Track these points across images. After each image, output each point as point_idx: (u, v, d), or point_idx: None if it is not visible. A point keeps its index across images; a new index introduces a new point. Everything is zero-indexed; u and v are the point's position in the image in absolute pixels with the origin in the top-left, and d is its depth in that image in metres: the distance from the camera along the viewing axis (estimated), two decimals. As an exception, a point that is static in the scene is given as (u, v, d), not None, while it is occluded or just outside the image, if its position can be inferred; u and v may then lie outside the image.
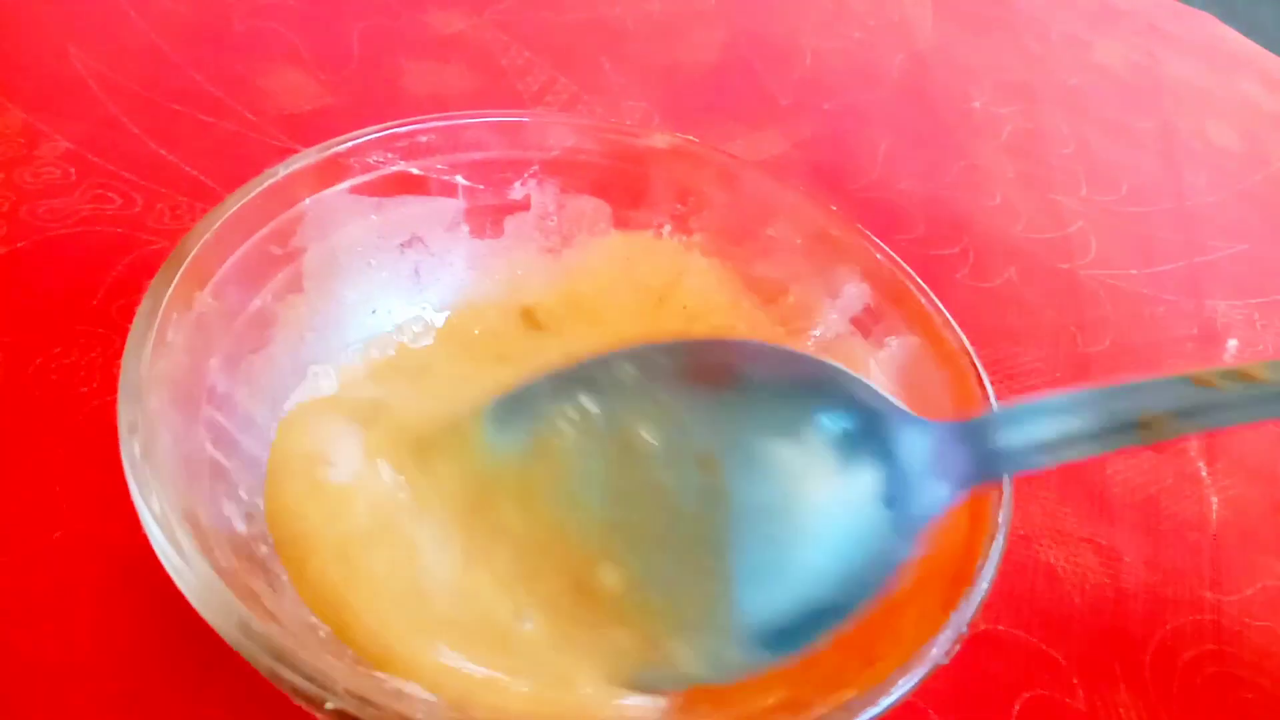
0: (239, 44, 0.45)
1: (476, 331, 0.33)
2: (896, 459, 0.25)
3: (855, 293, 0.32)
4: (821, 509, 0.26)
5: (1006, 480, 0.25)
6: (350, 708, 0.20)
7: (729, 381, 0.27)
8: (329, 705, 0.20)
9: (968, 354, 0.29)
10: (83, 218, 0.37)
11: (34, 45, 0.43)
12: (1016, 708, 0.30)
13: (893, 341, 0.31)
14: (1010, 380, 0.39)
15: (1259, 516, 0.36)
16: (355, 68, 0.46)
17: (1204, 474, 0.37)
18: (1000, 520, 0.25)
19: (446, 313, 0.33)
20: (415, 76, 0.46)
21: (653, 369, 0.27)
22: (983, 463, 0.25)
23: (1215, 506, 0.36)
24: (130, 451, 0.23)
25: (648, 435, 0.27)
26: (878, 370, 0.31)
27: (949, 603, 0.24)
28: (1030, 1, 0.62)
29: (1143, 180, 0.50)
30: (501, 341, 0.33)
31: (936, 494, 0.25)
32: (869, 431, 0.26)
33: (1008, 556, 0.32)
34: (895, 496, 0.25)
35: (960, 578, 0.24)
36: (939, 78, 0.54)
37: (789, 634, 0.25)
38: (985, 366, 0.38)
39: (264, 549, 0.26)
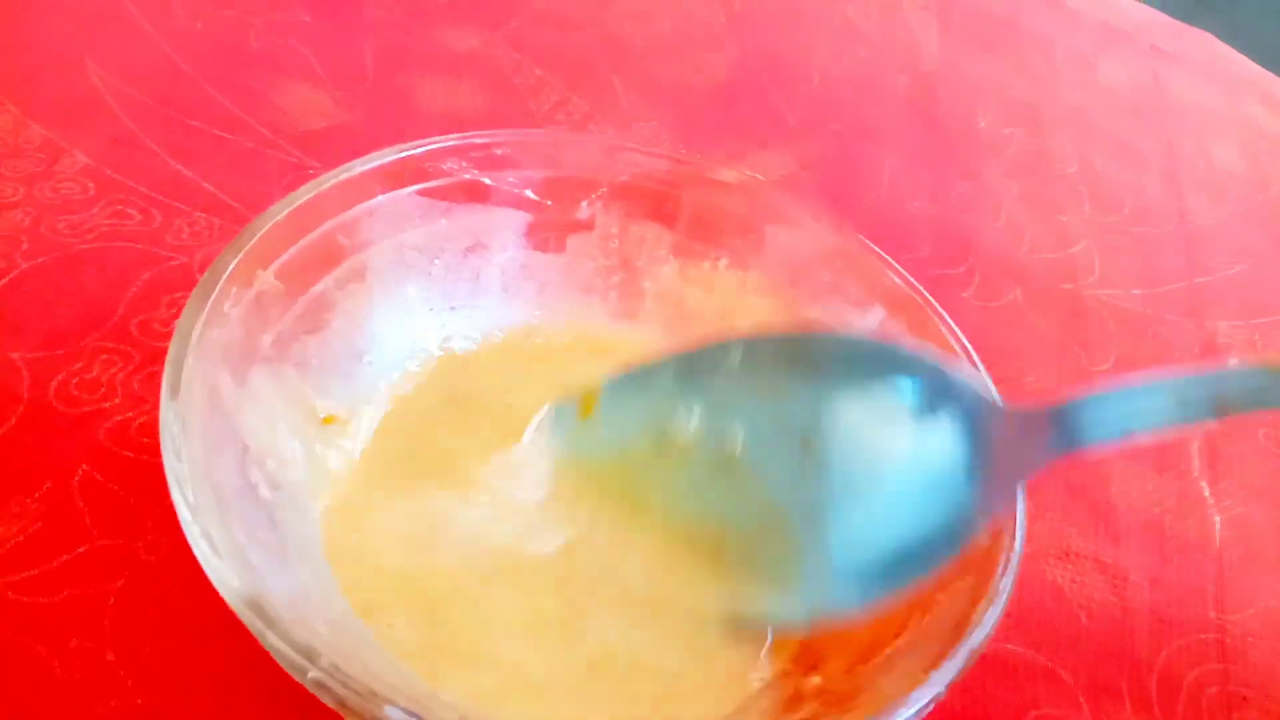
0: (255, 61, 0.46)
1: (539, 341, 0.34)
2: (978, 437, 0.27)
3: (889, 328, 0.33)
4: (909, 477, 0.27)
5: (1014, 561, 0.26)
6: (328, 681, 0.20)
7: (824, 366, 0.29)
8: (310, 675, 0.21)
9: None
10: (102, 233, 0.37)
11: (53, 61, 0.43)
12: (1024, 726, 0.30)
13: None
14: (1017, 397, 0.39)
15: (1262, 537, 0.37)
16: (369, 85, 0.46)
17: (1207, 494, 0.37)
18: (1002, 591, 0.25)
19: (501, 320, 0.34)
20: (428, 94, 0.47)
21: (754, 358, 0.30)
22: (1059, 440, 0.26)
23: (1219, 526, 0.37)
24: (166, 411, 0.24)
25: (751, 422, 0.29)
26: None
27: (933, 664, 0.24)
28: (1035, 22, 0.62)
29: (1146, 200, 0.50)
30: (555, 354, 0.34)
31: (1016, 467, 0.26)
32: (951, 412, 0.27)
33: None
34: (977, 468, 0.27)
35: (950, 640, 0.24)
36: (945, 98, 0.55)
37: (879, 582, 0.27)
38: (993, 382, 0.39)
39: (283, 515, 0.27)
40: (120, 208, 0.38)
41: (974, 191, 0.49)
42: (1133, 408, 0.25)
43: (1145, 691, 0.32)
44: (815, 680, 0.27)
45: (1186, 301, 0.45)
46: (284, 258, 0.28)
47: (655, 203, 0.34)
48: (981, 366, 0.30)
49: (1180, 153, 0.54)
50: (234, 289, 0.27)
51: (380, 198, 0.30)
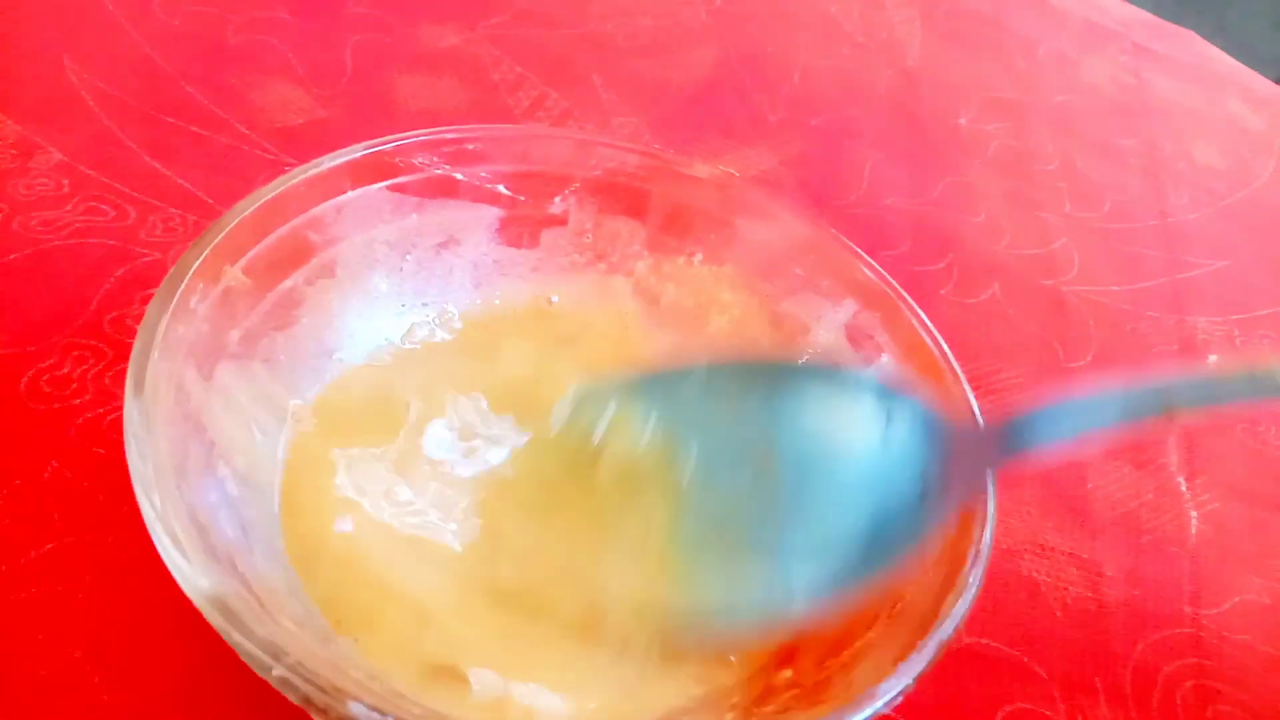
0: (233, 58, 0.46)
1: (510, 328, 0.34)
2: (928, 453, 0.28)
3: (862, 322, 0.33)
4: (862, 491, 0.28)
5: (984, 554, 0.26)
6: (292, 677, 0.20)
7: (782, 385, 0.30)
8: (274, 672, 0.20)
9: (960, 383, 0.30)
10: (76, 229, 0.37)
11: (29, 57, 0.43)
12: (997, 720, 0.30)
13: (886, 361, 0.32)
14: (993, 394, 0.39)
15: (1237, 532, 0.37)
16: (348, 82, 0.46)
17: (1184, 489, 0.37)
18: (970, 585, 0.25)
19: (473, 313, 0.34)
20: (408, 90, 0.46)
21: (716, 380, 0.30)
22: (1005, 452, 0.27)
23: (1195, 521, 0.37)
24: (130, 408, 0.23)
25: (709, 435, 0.29)
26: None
27: (901, 656, 0.24)
28: (1018, 21, 0.62)
29: (1126, 198, 0.50)
30: (522, 347, 0.34)
31: (963, 479, 0.27)
32: (903, 429, 0.28)
33: (990, 571, 0.33)
34: (927, 484, 0.27)
35: (919, 633, 0.24)
36: (927, 95, 0.55)
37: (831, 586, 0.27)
38: (969, 381, 0.39)
39: (252, 512, 0.27)
40: (95, 204, 0.38)
41: (955, 189, 0.49)
42: (1078, 420, 0.26)
43: (1120, 686, 0.32)
44: (786, 674, 0.27)
45: (1166, 298, 0.45)
46: (252, 253, 0.28)
47: (629, 198, 0.34)
48: (955, 362, 0.30)
49: (1161, 151, 0.54)
50: (200, 285, 0.26)
51: (350, 193, 0.30)
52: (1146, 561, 0.35)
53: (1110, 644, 0.33)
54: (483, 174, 0.32)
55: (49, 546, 0.29)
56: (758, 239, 0.34)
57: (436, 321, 0.33)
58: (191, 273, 0.26)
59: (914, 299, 0.42)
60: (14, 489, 0.30)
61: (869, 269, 0.32)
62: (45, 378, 0.32)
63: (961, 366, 0.39)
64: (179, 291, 0.26)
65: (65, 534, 0.29)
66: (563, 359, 0.33)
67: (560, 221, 0.34)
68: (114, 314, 0.35)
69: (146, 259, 0.37)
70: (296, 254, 0.30)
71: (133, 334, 0.34)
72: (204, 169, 0.40)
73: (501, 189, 0.33)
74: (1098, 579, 0.34)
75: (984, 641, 0.32)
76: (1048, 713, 0.31)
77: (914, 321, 0.31)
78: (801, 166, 0.48)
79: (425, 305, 0.33)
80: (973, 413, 0.29)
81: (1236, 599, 0.35)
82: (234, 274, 0.28)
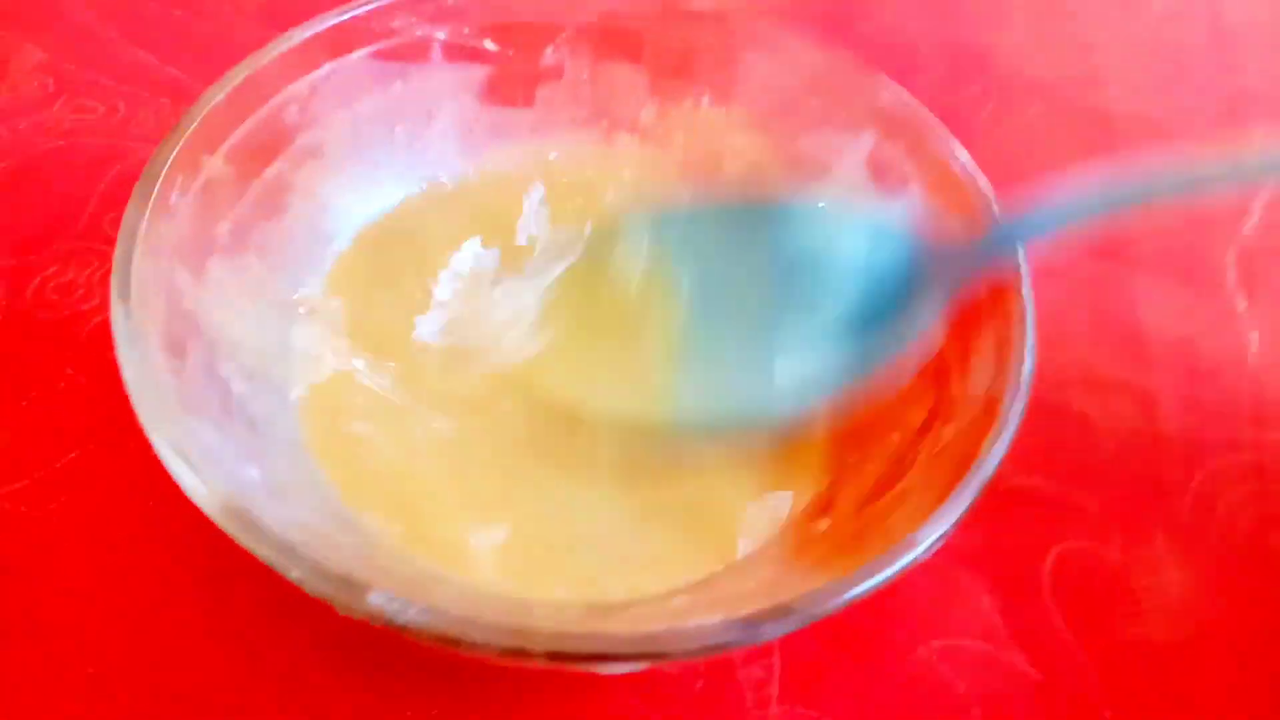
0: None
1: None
2: (909, 255, 0.27)
3: (884, 154, 0.31)
4: (845, 284, 0.27)
5: (1023, 386, 0.25)
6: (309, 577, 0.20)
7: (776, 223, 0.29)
8: (292, 574, 0.20)
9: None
10: (65, 130, 0.36)
11: (-3, -49, 0.41)
12: (1049, 562, 0.29)
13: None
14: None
15: (1301, 349, 0.35)
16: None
17: (1242, 309, 0.35)
18: (1009, 423, 0.24)
19: (470, 180, 0.33)
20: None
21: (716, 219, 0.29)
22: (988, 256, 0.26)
23: (1255, 341, 0.35)
24: (117, 318, 0.23)
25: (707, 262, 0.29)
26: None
27: (938, 502, 0.22)
28: None
29: (1177, 3, 0.46)
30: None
31: (945, 283, 0.26)
32: (891, 243, 0.27)
33: (1036, 407, 0.31)
34: (918, 275, 0.26)
35: (956, 477, 0.23)
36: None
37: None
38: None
39: (260, 407, 0.26)
40: (82, 101, 0.37)
41: (988, 4, 0.45)
42: (1060, 217, 0.25)
43: (1177, 518, 0.30)
44: (823, 524, 0.26)
45: (1219, 111, 0.42)
46: (231, 140, 0.27)
47: (625, 42, 0.32)
48: (984, 183, 0.28)
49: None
50: (179, 178, 0.25)
51: (326, 66, 0.28)
52: (1203, 387, 0.33)
53: (1166, 475, 0.31)
54: (466, 30, 0.30)
55: (73, 455, 0.29)
56: (766, 74, 0.31)
57: (433, 193, 0.32)
58: (168, 166, 0.25)
59: (950, 124, 0.40)
60: (32, 400, 0.30)
61: (889, 94, 0.30)
62: (51, 285, 0.32)
63: (1005, 191, 0.38)
64: (156, 187, 0.24)
65: (85, 443, 0.29)
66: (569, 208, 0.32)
67: (555, 75, 0.32)
68: (113, 214, 0.34)
69: (140, 154, 0.35)
70: (278, 137, 0.28)
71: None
72: (192, 53, 0.39)
73: (488, 44, 0.31)
74: (1152, 408, 0.33)
75: (1033, 481, 0.31)
76: (1101, 550, 0.30)
77: (940, 147, 0.29)
78: (818, -3, 0.45)
79: (421, 178, 0.32)
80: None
81: (1300, 418, 0.33)
82: (214, 163, 0.26)
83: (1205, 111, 0.42)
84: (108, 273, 0.32)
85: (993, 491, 0.23)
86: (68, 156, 0.35)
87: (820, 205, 0.28)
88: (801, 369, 0.27)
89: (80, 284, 0.32)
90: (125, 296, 0.23)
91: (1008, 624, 0.28)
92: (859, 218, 0.28)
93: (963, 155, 0.28)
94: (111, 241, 0.32)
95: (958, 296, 0.26)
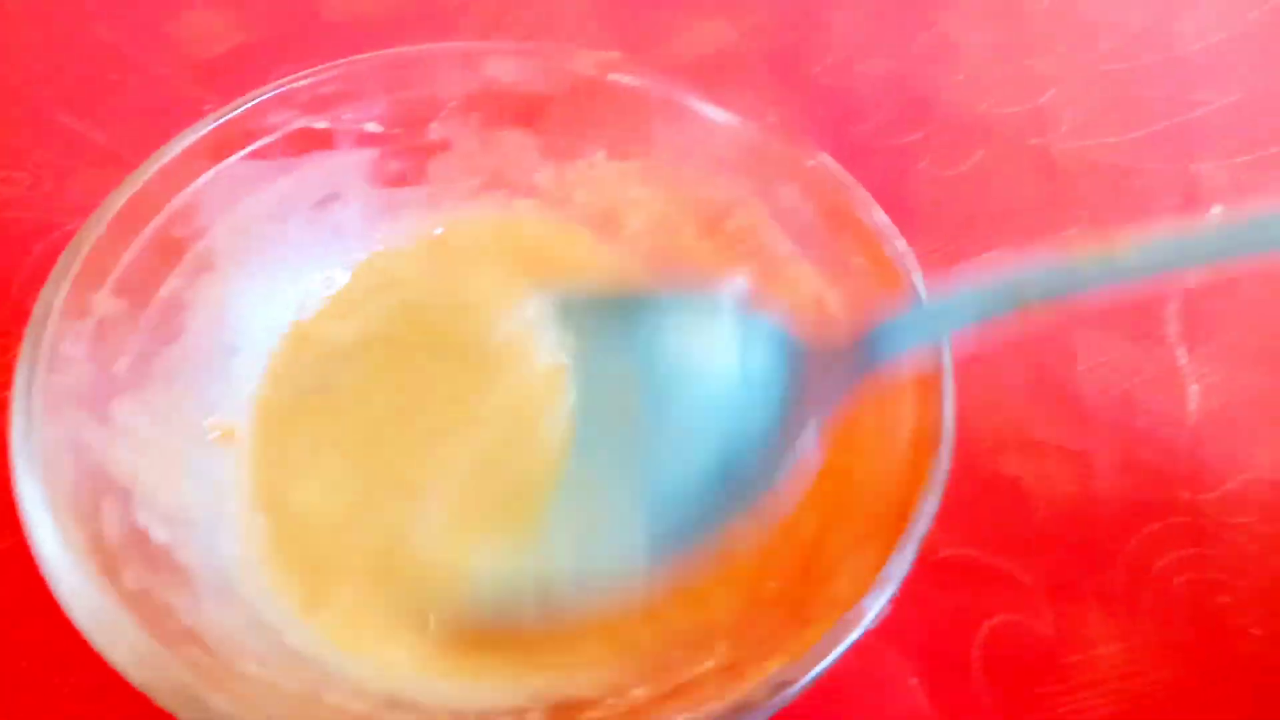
0: (142, -14, 0.43)
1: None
2: (786, 372, 0.26)
3: (796, 210, 0.30)
4: (723, 418, 0.27)
5: (947, 435, 0.24)
6: None
7: (644, 322, 0.28)
8: None
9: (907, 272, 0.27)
10: (-10, 205, 0.35)
11: (-75, 15, 0.41)
12: (980, 636, 0.29)
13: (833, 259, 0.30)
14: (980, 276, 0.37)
15: (1243, 403, 0.34)
16: None
17: (1184, 362, 0.35)
18: (938, 473, 0.24)
19: (371, 264, 0.32)
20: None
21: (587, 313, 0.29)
22: (863, 366, 0.25)
23: (1195, 396, 0.34)
24: (24, 489, 0.22)
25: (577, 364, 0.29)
26: (826, 289, 0.30)
27: (879, 563, 0.23)
28: None
29: (1128, 34, 0.46)
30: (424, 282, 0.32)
31: (823, 399, 0.26)
32: (761, 357, 0.27)
33: (968, 474, 0.31)
34: (787, 400, 0.26)
35: (893, 532, 0.23)
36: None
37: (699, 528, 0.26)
38: (951, 261, 0.37)
39: (188, 552, 0.25)
40: (8, 173, 0.36)
41: (934, 43, 0.45)
42: (934, 326, 0.25)
43: (1111, 587, 0.30)
44: (771, 585, 0.26)
45: (1168, 145, 0.42)
46: (118, 271, 0.26)
47: (512, 106, 0.31)
48: (903, 244, 0.27)
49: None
50: (69, 325, 0.24)
51: (208, 174, 0.27)
52: (1141, 447, 0.33)
53: (1101, 541, 0.31)
54: (347, 116, 0.30)
55: (6, 543, 0.28)
56: (659, 127, 0.31)
57: (331, 284, 0.31)
58: (55, 315, 0.24)
59: (890, 177, 0.39)
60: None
61: (773, 137, 0.30)
62: (-27, 372, 0.31)
63: (942, 247, 0.37)
64: (44, 341, 0.23)
65: (19, 529, 0.29)
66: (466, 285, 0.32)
67: (444, 148, 0.31)
68: (38, 294, 0.33)
69: (69, 227, 0.35)
70: (166, 256, 0.27)
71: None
72: (122, 120, 0.38)
73: (372, 127, 0.30)
74: (1088, 471, 0.32)
75: (964, 551, 0.31)
76: (1034, 623, 0.29)
77: (843, 196, 0.29)
78: (764, 37, 0.44)
79: (319, 271, 0.31)
80: (908, 289, 0.27)
81: (1239, 478, 0.32)
82: (103, 300, 0.25)
83: (1153, 146, 0.42)
84: (31, 357, 0.32)
85: (922, 564, 0.23)
86: (-8, 232, 0.35)
87: (703, 301, 0.28)
88: (681, 510, 0.26)
89: (3, 369, 0.31)
90: (31, 468, 0.22)
91: (934, 707, 0.28)
92: (740, 318, 0.27)
93: (874, 209, 0.28)
94: (36, 324, 0.32)
95: (840, 408, 0.25)
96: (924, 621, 0.29)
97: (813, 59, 0.44)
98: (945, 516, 0.23)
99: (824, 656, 0.22)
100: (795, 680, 0.21)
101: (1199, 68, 0.45)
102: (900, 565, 0.23)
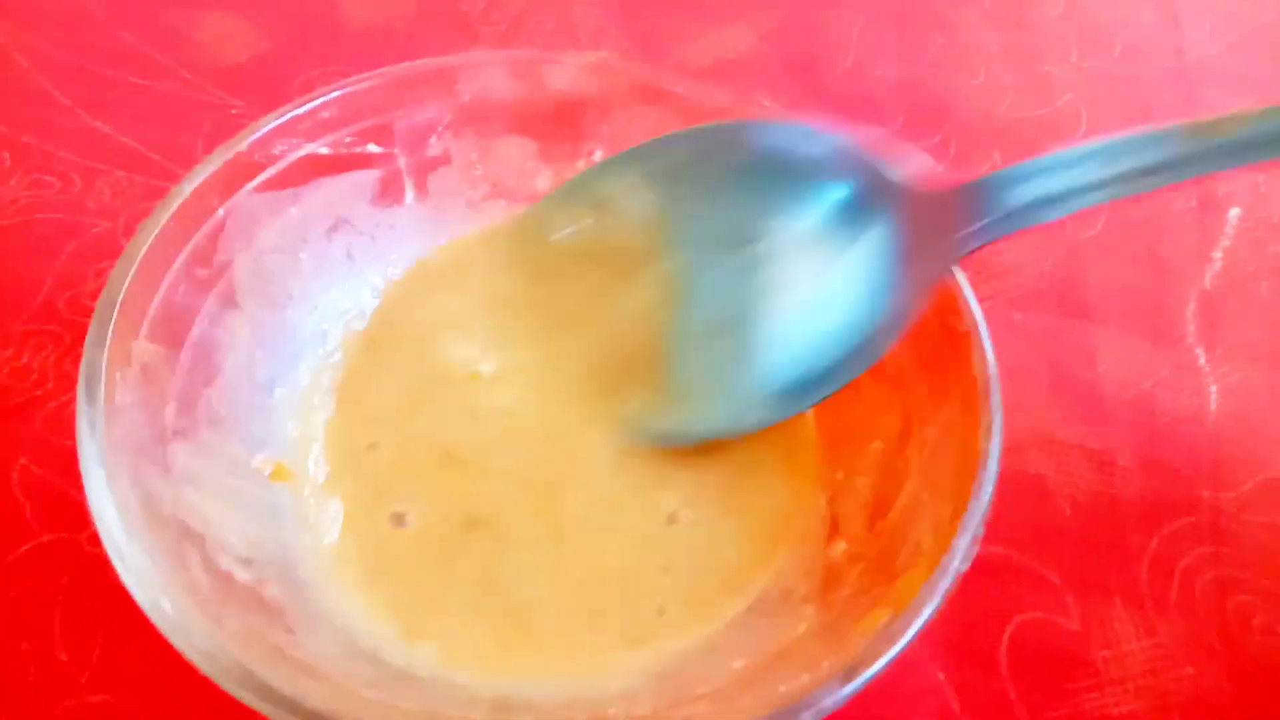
0: (168, -7, 0.43)
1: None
2: (902, 220, 0.27)
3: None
4: (835, 269, 0.28)
5: (994, 378, 0.25)
6: None
7: (750, 161, 0.29)
8: None
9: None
10: (21, 206, 0.36)
11: (-46, 20, 0.41)
12: (1008, 633, 0.29)
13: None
14: (997, 279, 0.37)
15: (1261, 403, 0.34)
16: (290, 6, 0.43)
17: (1202, 362, 0.35)
18: (994, 412, 0.25)
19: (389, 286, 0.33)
20: (353, 7, 0.44)
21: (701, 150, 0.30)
22: (989, 219, 0.26)
23: (1214, 396, 0.35)
24: (112, 537, 0.22)
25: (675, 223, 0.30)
26: None
27: (958, 508, 0.24)
28: None
29: (1139, 38, 0.46)
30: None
31: (942, 251, 0.26)
32: (873, 197, 0.27)
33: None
34: (905, 253, 0.27)
35: (963, 478, 0.24)
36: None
37: (813, 382, 0.28)
38: (969, 265, 0.37)
39: (273, 589, 0.25)
40: (39, 176, 0.37)
41: (949, 48, 0.45)
42: (1054, 180, 0.25)
43: (1135, 585, 0.30)
44: (840, 547, 0.27)
45: (1184, 147, 0.42)
46: (150, 317, 0.26)
47: (506, 114, 0.31)
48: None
49: (1178, -24, 0.50)
50: (118, 374, 0.24)
51: (220, 211, 0.28)
52: (1162, 446, 0.33)
53: (1124, 540, 0.31)
54: (347, 139, 0.30)
55: (25, 548, 0.29)
56: (653, 118, 0.31)
57: (356, 310, 0.32)
58: (104, 367, 0.24)
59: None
60: (-16, 492, 0.29)
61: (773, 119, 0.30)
62: (5, 370, 0.32)
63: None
64: (100, 394, 0.23)
65: (40, 532, 0.29)
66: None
67: (444, 162, 0.32)
68: (69, 294, 0.34)
69: (96, 229, 0.35)
70: (191, 298, 0.27)
71: (89, 313, 0.33)
72: (149, 123, 0.39)
73: (372, 148, 0.30)
74: (1110, 469, 0.33)
75: (990, 549, 0.31)
76: (1060, 620, 0.30)
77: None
78: (782, 41, 0.45)
79: (340, 292, 0.31)
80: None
81: (1259, 477, 0.33)
82: (142, 347, 0.25)
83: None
84: (62, 355, 0.32)
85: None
86: (23, 233, 0.35)
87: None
88: (793, 356, 0.27)
89: (34, 368, 0.32)
90: (120, 516, 0.22)
91: (962, 703, 0.28)
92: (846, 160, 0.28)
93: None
94: (67, 323, 0.33)
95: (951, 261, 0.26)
96: (951, 618, 0.29)
97: (830, 64, 0.44)
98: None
99: (928, 602, 0.22)
100: (906, 628, 0.22)
101: (1212, 71, 0.45)
102: (978, 509, 0.24)
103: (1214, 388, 0.35)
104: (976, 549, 0.23)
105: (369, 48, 0.42)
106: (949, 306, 0.27)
